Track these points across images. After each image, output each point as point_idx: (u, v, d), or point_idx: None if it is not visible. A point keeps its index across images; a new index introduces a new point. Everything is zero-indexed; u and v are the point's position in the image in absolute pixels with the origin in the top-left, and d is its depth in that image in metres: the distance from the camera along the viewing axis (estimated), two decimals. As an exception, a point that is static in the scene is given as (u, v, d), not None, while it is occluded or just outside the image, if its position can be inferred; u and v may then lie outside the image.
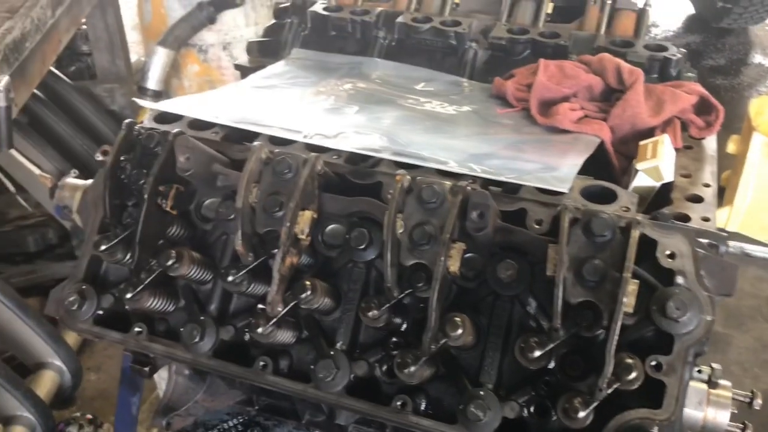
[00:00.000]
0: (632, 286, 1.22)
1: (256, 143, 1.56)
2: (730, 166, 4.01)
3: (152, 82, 4.33)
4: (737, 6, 6.77)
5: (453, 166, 1.51)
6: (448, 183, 1.35)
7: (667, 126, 1.88)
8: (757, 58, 6.90)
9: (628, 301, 1.22)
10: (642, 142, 1.81)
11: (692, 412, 1.34)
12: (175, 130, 1.51)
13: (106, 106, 4.30)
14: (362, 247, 1.42)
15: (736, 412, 1.41)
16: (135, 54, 5.12)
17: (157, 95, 4.37)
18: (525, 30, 2.15)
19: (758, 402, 1.45)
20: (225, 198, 1.51)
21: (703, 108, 1.91)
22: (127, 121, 1.54)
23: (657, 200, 1.72)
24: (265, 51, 2.33)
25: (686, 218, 1.56)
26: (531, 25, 2.21)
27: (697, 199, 1.64)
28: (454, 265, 1.29)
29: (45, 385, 3.03)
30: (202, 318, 1.51)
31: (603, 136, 1.84)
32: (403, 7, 2.34)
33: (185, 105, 1.75)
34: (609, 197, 1.46)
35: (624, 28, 2.18)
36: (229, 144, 1.61)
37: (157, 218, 1.50)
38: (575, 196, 1.45)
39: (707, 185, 1.70)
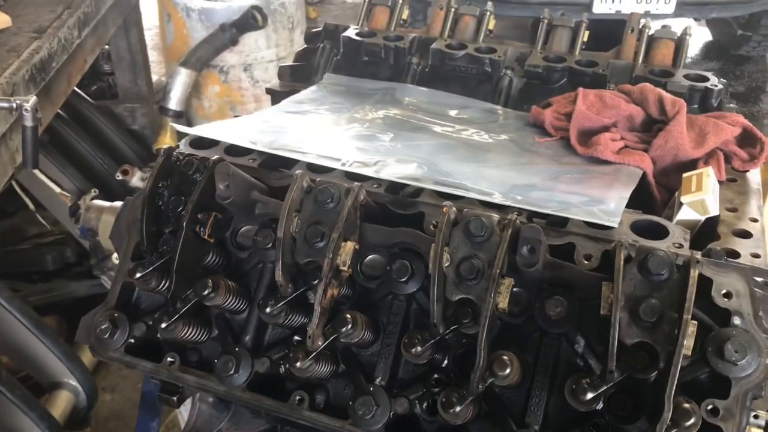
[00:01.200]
0: (692, 328, 1.17)
1: (296, 170, 1.53)
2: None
3: (173, 103, 4.33)
4: (756, 34, 6.75)
5: (497, 198, 1.47)
6: (495, 216, 1.31)
7: (710, 158, 1.84)
8: (777, 86, 6.87)
9: (688, 343, 1.17)
10: (686, 175, 1.77)
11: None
12: (215, 157, 1.48)
13: (127, 126, 4.30)
14: (404, 279, 1.38)
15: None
16: (155, 74, 5.14)
17: (179, 115, 4.37)
18: (562, 58, 2.13)
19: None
20: (262, 226, 1.48)
21: (746, 140, 1.87)
22: (165, 146, 1.52)
23: (700, 235, 1.68)
24: (296, 75, 2.31)
25: (735, 254, 1.51)
26: (567, 53, 2.18)
27: (746, 234, 1.59)
28: (503, 302, 1.25)
29: (60, 405, 3.00)
30: (236, 349, 1.47)
31: (645, 167, 1.80)
32: (437, 33, 2.32)
33: (221, 130, 1.72)
34: (660, 233, 1.42)
35: (662, 57, 2.15)
36: (267, 171, 1.58)
37: (194, 246, 1.46)
38: (625, 231, 1.41)
39: (755, 220, 1.66)
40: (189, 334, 1.48)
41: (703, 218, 1.69)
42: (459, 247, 1.30)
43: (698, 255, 1.29)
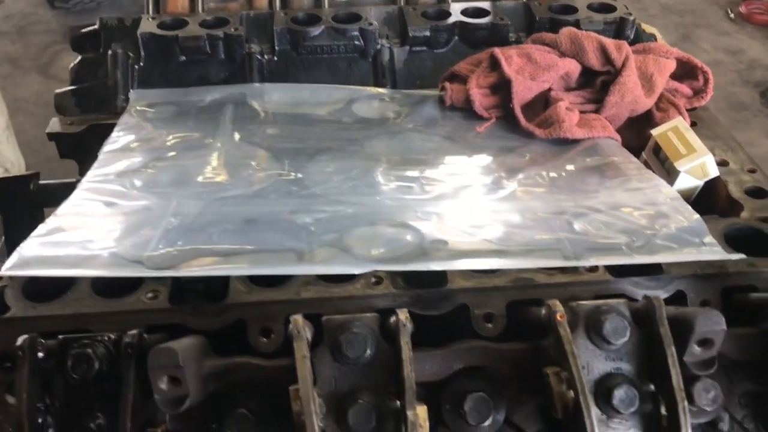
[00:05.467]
0: None
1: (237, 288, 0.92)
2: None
3: None
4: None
5: (554, 259, 1.01)
6: (621, 301, 0.86)
7: (660, 103, 1.56)
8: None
9: None
10: (656, 132, 1.46)
11: None
12: (150, 338, 0.82)
13: None
14: (487, 423, 0.89)
15: None
16: None
17: None
18: (445, 12, 1.67)
19: None
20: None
21: (685, 73, 1.61)
22: (23, 338, 0.81)
23: (700, 200, 1.41)
24: (87, 103, 1.56)
25: (769, 224, 1.25)
26: (442, 2, 1.73)
27: (761, 194, 1.34)
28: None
29: None
30: None
31: (613, 135, 1.46)
32: (264, 4, 1.71)
33: (61, 258, 1.00)
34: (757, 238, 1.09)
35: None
36: (187, 308, 0.94)
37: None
38: (728, 250, 1.05)
39: (753, 170, 1.41)
40: None
41: (702, 183, 1.41)
42: (590, 363, 0.84)
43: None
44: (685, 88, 1.59)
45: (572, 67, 1.52)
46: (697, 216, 1.12)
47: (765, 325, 0.92)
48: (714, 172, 1.39)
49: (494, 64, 1.52)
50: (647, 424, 0.83)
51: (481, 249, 1.02)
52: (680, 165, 1.39)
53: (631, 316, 0.85)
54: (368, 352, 0.82)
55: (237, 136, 1.40)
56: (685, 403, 0.80)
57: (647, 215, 1.12)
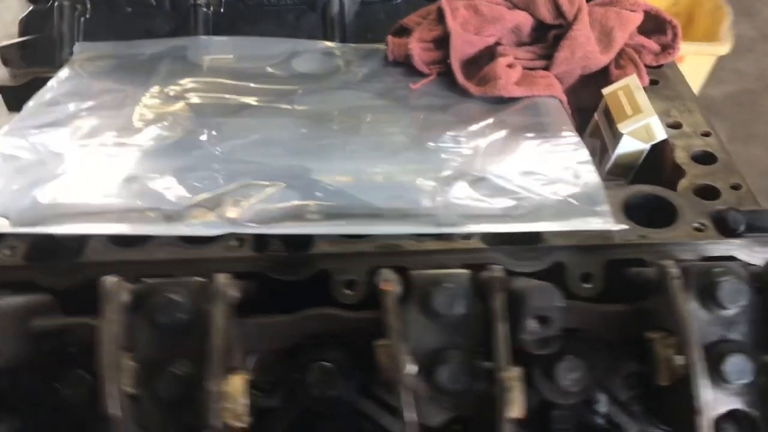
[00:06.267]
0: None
1: (92, 250, 0.90)
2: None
3: None
4: None
5: (426, 224, 0.95)
6: (464, 271, 0.81)
7: (620, 59, 1.45)
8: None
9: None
10: (606, 91, 1.37)
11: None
12: None
13: None
14: (333, 391, 0.85)
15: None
16: None
17: None
18: (398, -41, 1.58)
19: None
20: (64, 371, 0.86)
21: (653, 27, 1.49)
22: None
23: (646, 167, 1.31)
24: (31, 56, 1.56)
25: (711, 191, 1.15)
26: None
27: (710, 159, 1.24)
28: (517, 408, 0.77)
29: None
30: None
31: (557, 94, 1.37)
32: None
33: None
34: (662, 210, 1.00)
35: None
36: (42, 266, 0.93)
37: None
38: (623, 220, 0.97)
39: (707, 133, 1.30)
40: None
41: (648, 146, 1.31)
42: (421, 337, 0.79)
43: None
44: (652, 44, 1.48)
45: (522, 20, 1.43)
46: (597, 181, 1.04)
47: (640, 304, 0.85)
48: (661, 134, 1.29)
49: (441, 17, 1.44)
50: (478, 402, 0.78)
51: (355, 212, 0.97)
52: (623, 126, 1.29)
53: (471, 289, 0.79)
54: (186, 317, 0.79)
55: (164, 90, 1.37)
56: (503, 364, 0.74)
57: (548, 180, 1.04)
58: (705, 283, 0.80)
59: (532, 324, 0.77)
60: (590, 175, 1.05)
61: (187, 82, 1.40)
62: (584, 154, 1.11)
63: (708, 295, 0.80)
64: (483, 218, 0.95)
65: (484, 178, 1.05)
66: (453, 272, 0.80)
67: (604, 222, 0.93)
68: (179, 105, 1.33)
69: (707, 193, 1.14)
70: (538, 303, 0.77)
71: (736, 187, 1.16)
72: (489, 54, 1.42)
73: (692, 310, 0.79)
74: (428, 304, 0.79)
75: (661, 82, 1.44)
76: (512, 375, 0.76)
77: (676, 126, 1.32)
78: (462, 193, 1.00)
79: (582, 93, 1.44)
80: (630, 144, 1.30)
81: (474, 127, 1.21)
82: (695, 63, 3.36)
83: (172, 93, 1.36)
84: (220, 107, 1.32)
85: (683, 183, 1.17)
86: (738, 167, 1.23)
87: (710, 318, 0.80)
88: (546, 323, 0.77)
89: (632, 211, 0.99)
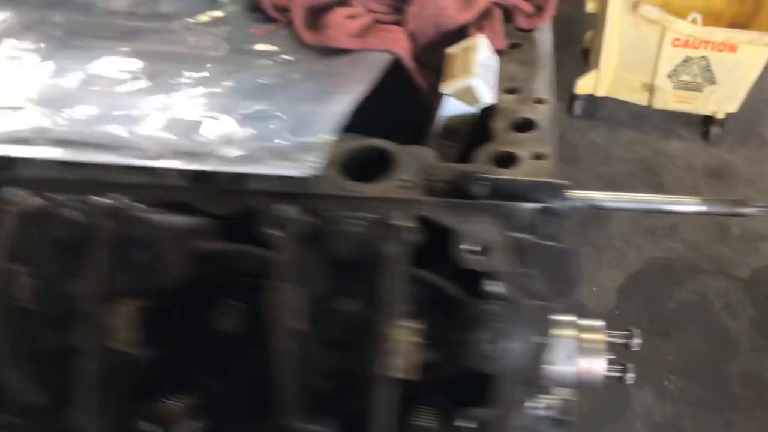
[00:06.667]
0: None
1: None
2: (592, 25, 3.58)
3: None
4: None
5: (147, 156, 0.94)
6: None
7: (484, 20, 1.37)
8: None
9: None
10: (449, 50, 1.30)
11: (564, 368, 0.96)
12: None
13: None
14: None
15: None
16: None
17: None
18: None
19: (636, 342, 1.06)
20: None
21: (529, -13, 1.40)
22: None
23: (482, 131, 1.24)
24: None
25: (511, 159, 1.08)
26: None
27: (527, 126, 1.16)
28: (122, 332, 0.75)
29: None
30: None
31: (398, 49, 1.31)
32: None
33: None
34: (380, 165, 0.95)
35: None
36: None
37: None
38: (333, 176, 0.93)
39: (541, 101, 1.22)
40: None
41: (477, 110, 1.24)
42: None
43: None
44: (526, 5, 1.39)
45: (380, -30, 1.37)
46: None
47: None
48: (487, 98, 1.22)
49: (300, -38, 1.40)
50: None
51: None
52: (445, 87, 1.23)
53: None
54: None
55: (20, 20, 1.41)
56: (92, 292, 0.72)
57: (285, 128, 1.00)
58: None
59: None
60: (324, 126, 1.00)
61: (44, 13, 1.42)
62: (344, 107, 1.05)
63: None
64: (194, 156, 0.93)
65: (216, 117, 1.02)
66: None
67: (305, 170, 0.89)
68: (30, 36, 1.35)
69: (507, 161, 1.09)
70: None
71: (539, 157, 1.09)
72: (341, 5, 1.38)
73: None
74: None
75: (525, 45, 1.35)
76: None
77: (512, 91, 1.24)
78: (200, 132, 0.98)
79: (439, 52, 1.37)
80: (454, 106, 1.24)
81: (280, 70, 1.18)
82: (751, 53, 3.14)
83: (24, 26, 1.39)
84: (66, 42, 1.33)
85: (487, 148, 1.12)
86: (555, 138, 1.15)
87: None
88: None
89: (362, 164, 0.95)
